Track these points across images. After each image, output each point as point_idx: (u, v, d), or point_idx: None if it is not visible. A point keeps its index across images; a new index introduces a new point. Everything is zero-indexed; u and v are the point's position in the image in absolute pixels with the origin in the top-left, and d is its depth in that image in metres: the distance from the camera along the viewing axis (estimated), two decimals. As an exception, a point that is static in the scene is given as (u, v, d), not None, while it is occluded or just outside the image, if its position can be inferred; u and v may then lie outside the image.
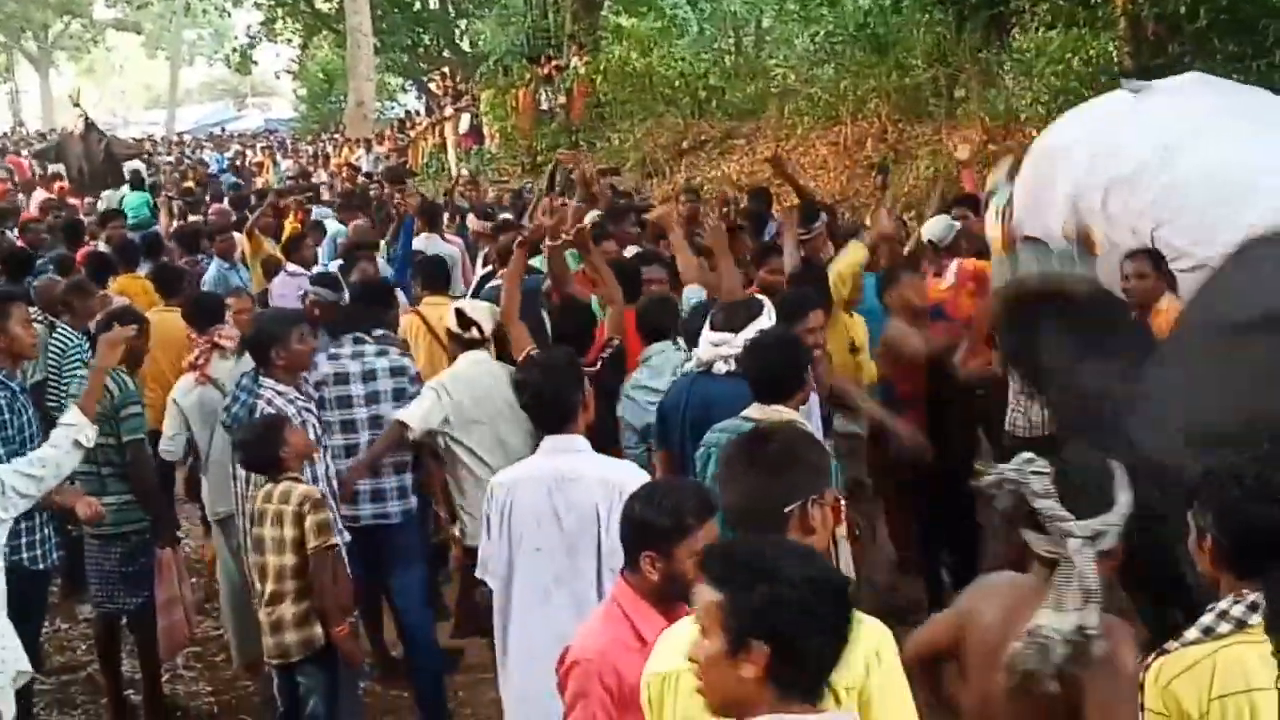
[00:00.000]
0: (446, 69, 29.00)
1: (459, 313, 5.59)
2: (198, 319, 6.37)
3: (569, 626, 3.58)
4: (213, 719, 6.02)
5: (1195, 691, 2.57)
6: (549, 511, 3.95)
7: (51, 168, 21.70)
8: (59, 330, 6.99)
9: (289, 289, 9.32)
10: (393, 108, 35.06)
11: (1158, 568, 4.49)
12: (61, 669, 6.50)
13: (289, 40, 36.26)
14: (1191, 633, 2.66)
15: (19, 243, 11.61)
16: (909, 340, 6.04)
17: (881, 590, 6.21)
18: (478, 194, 14.69)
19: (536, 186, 15.48)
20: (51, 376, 6.80)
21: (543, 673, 3.32)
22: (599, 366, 5.36)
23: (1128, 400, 4.30)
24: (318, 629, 4.69)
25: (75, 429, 4.61)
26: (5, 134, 40.07)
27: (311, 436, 5.08)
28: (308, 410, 5.24)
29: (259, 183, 22.17)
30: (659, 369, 5.33)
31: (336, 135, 31.66)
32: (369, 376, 5.69)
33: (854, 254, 6.51)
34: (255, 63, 36.81)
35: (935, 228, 7.53)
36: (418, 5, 33.26)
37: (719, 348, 4.72)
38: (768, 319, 4.72)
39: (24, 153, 26.08)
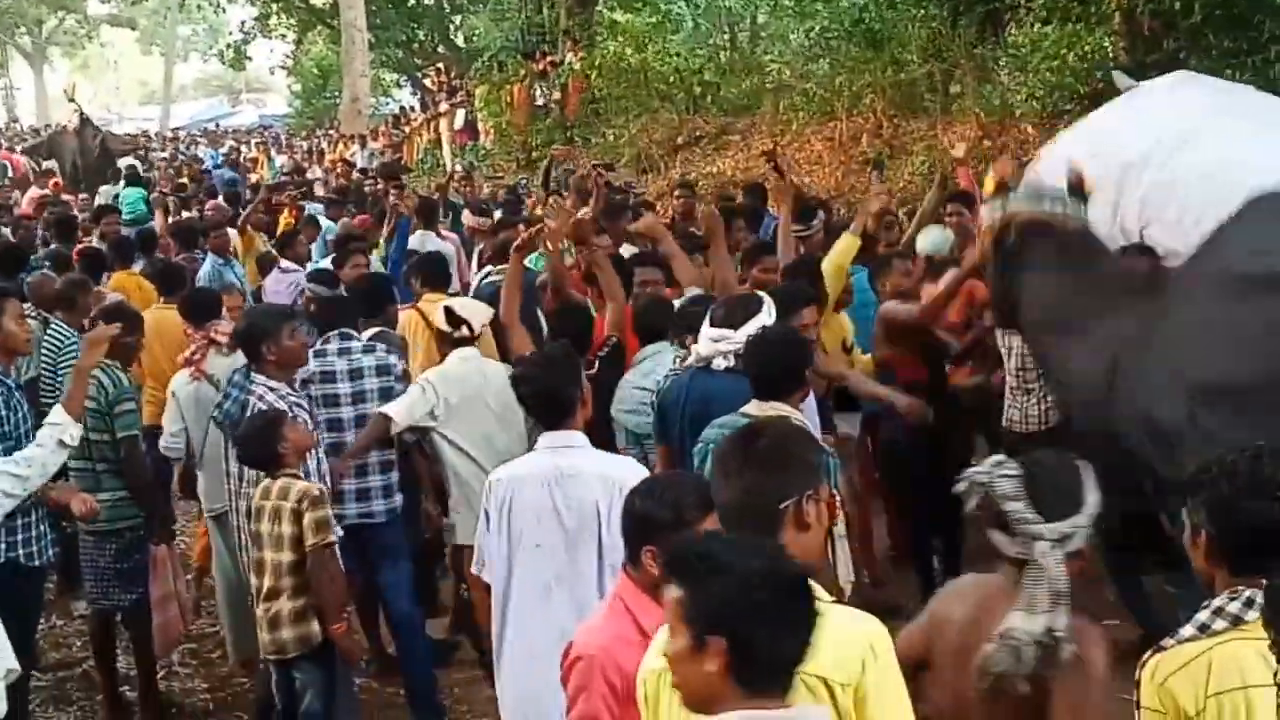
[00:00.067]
0: (441, 65, 28.97)
1: (448, 311, 5.59)
2: (194, 314, 6.37)
3: (569, 623, 3.58)
4: (208, 715, 6.02)
5: (1191, 688, 2.57)
6: (549, 508, 3.95)
7: (45, 164, 21.66)
8: (53, 326, 6.98)
9: (282, 285, 9.32)
10: (387, 103, 35.00)
11: (1141, 524, 4.53)
12: (57, 665, 6.50)
13: (283, 36, 36.13)
14: (1187, 630, 2.66)
15: (12, 239, 11.61)
16: (899, 309, 6.08)
17: (877, 587, 6.25)
18: (472, 190, 14.68)
19: (531, 182, 15.50)
20: (46, 373, 6.79)
21: (542, 670, 3.32)
22: (595, 369, 5.35)
23: (1126, 347, 4.33)
24: (314, 625, 4.69)
25: (60, 428, 4.63)
26: (0, 130, 39.99)
27: (305, 433, 5.08)
28: (299, 406, 5.22)
29: (253, 179, 22.12)
30: (648, 371, 5.32)
31: (331, 131, 31.61)
32: (355, 375, 5.69)
33: (845, 246, 6.50)
34: (250, 58, 36.67)
35: (929, 241, 7.33)
36: (412, 1, 33.18)
37: (718, 344, 4.72)
38: (768, 315, 4.72)
39: (18, 149, 26.00)
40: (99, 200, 16.55)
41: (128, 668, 6.10)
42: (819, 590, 2.63)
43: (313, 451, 5.11)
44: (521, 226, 7.68)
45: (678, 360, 5.07)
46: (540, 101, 20.56)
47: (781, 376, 4.36)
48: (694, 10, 23.01)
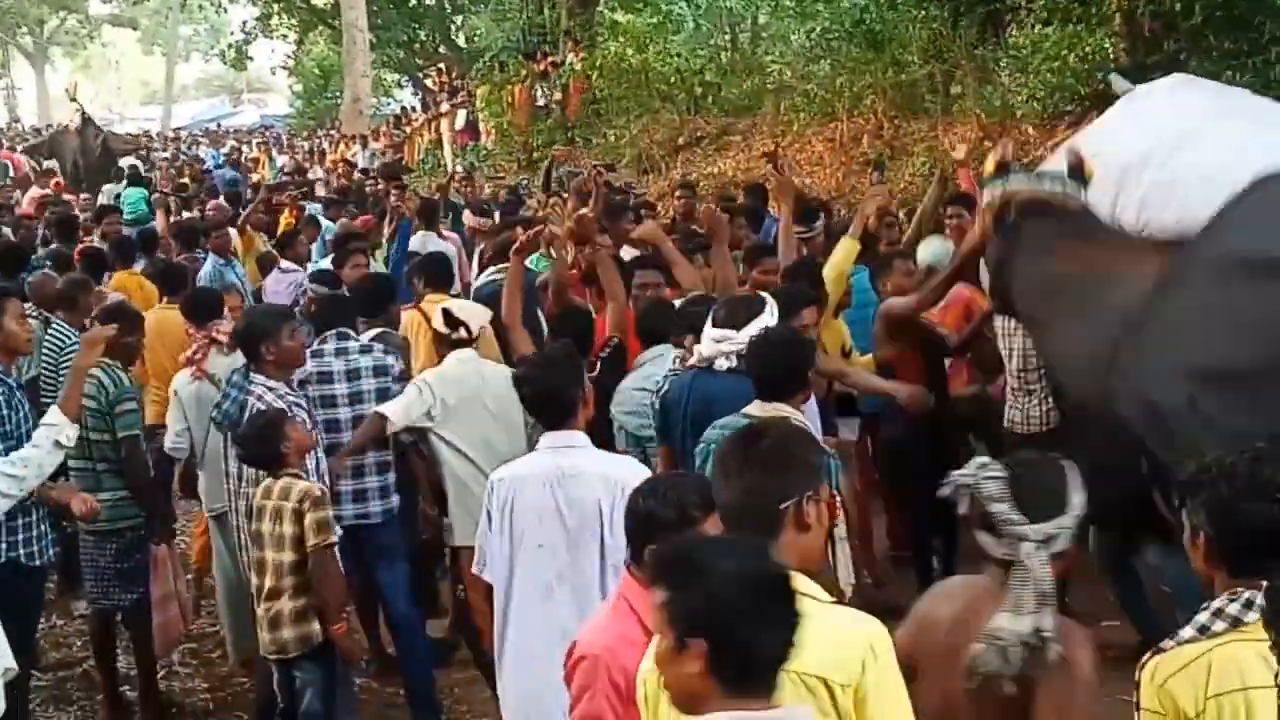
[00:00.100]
0: (442, 65, 28.96)
1: (445, 313, 5.59)
2: (195, 314, 6.37)
3: (570, 623, 3.59)
4: (208, 715, 6.02)
5: (1191, 690, 2.58)
6: (551, 508, 3.95)
7: (46, 163, 21.67)
8: (54, 326, 6.98)
9: (282, 285, 9.33)
10: (388, 104, 34.98)
11: (1134, 504, 4.52)
12: (57, 665, 6.50)
13: (285, 36, 36.15)
14: (1187, 631, 2.67)
15: (13, 238, 11.61)
16: (897, 302, 6.08)
17: (877, 587, 6.25)
18: (473, 190, 14.68)
19: (532, 183, 15.49)
20: (46, 373, 6.79)
21: (544, 669, 3.32)
22: (597, 371, 5.35)
23: (1126, 328, 4.32)
24: (315, 625, 4.69)
25: (56, 429, 4.63)
26: (1, 129, 39.98)
27: (304, 433, 5.08)
28: (298, 406, 5.22)
29: (254, 179, 22.13)
30: (649, 374, 5.31)
31: (332, 131, 31.60)
32: (353, 375, 5.68)
33: (845, 251, 6.50)
34: (251, 59, 36.63)
35: (930, 252, 7.28)
36: (413, 1, 33.18)
37: (721, 344, 4.72)
38: (770, 316, 4.72)
39: (19, 149, 26.01)
40: (101, 200, 16.56)
41: (128, 667, 6.10)
42: (818, 591, 2.64)
43: (312, 452, 5.12)
44: (520, 227, 7.68)
45: (677, 360, 5.07)
46: (541, 102, 20.56)
47: (784, 377, 4.36)
48: (695, 11, 23.01)
